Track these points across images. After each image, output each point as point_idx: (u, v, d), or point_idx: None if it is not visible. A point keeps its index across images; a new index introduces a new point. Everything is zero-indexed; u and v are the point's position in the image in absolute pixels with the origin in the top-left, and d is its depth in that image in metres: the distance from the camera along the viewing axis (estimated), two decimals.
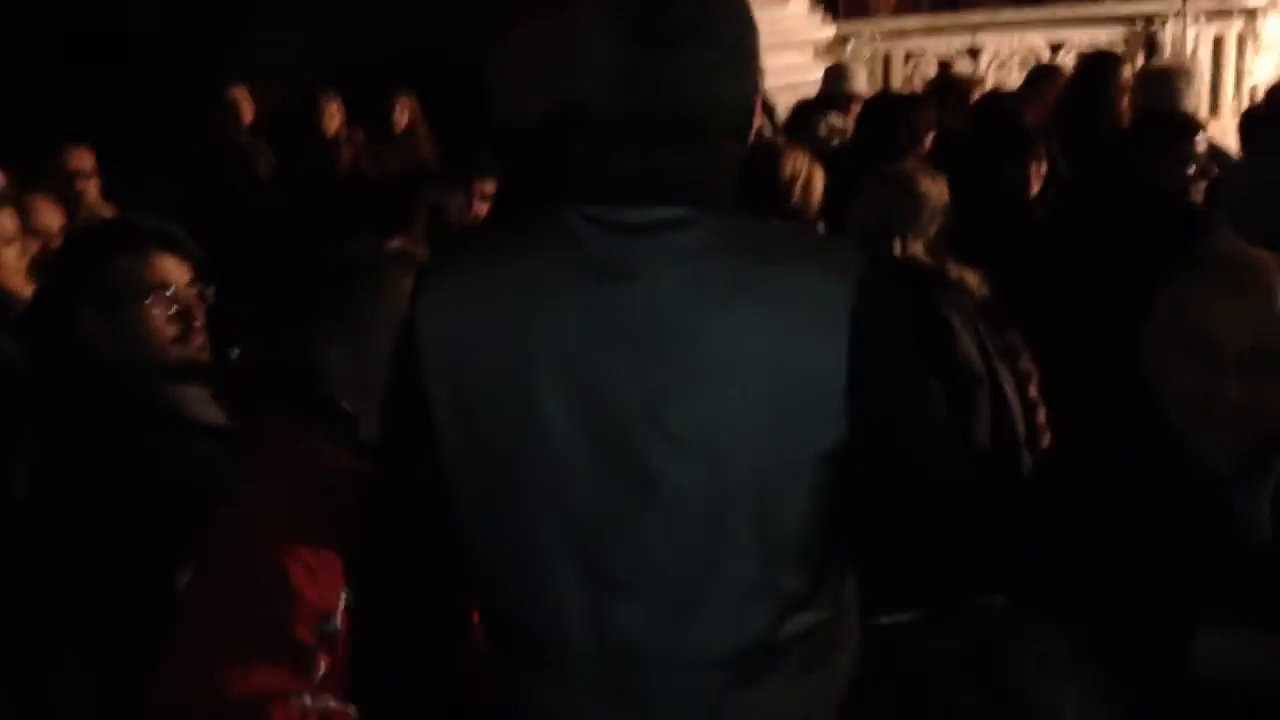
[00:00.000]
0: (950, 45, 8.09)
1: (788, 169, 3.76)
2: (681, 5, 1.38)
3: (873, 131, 4.60)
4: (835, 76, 6.03)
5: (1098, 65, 5.44)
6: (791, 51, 7.06)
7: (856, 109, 5.95)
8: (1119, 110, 4.98)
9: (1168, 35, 7.84)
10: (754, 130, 1.50)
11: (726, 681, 1.45)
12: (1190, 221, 3.64)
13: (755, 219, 1.53)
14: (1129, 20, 7.99)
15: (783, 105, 6.03)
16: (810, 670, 1.48)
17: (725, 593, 1.44)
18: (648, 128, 1.38)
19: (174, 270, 2.12)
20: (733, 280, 1.39)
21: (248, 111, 6.41)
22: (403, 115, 6.45)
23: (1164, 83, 4.75)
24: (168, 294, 2.10)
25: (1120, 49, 7.22)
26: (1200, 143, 3.80)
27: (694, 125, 1.39)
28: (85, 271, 2.12)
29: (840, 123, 5.70)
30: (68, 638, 1.99)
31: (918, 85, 8.02)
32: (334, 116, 6.41)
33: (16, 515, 2.10)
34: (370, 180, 5.80)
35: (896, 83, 7.99)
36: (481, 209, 4.04)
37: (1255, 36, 8.07)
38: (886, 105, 4.96)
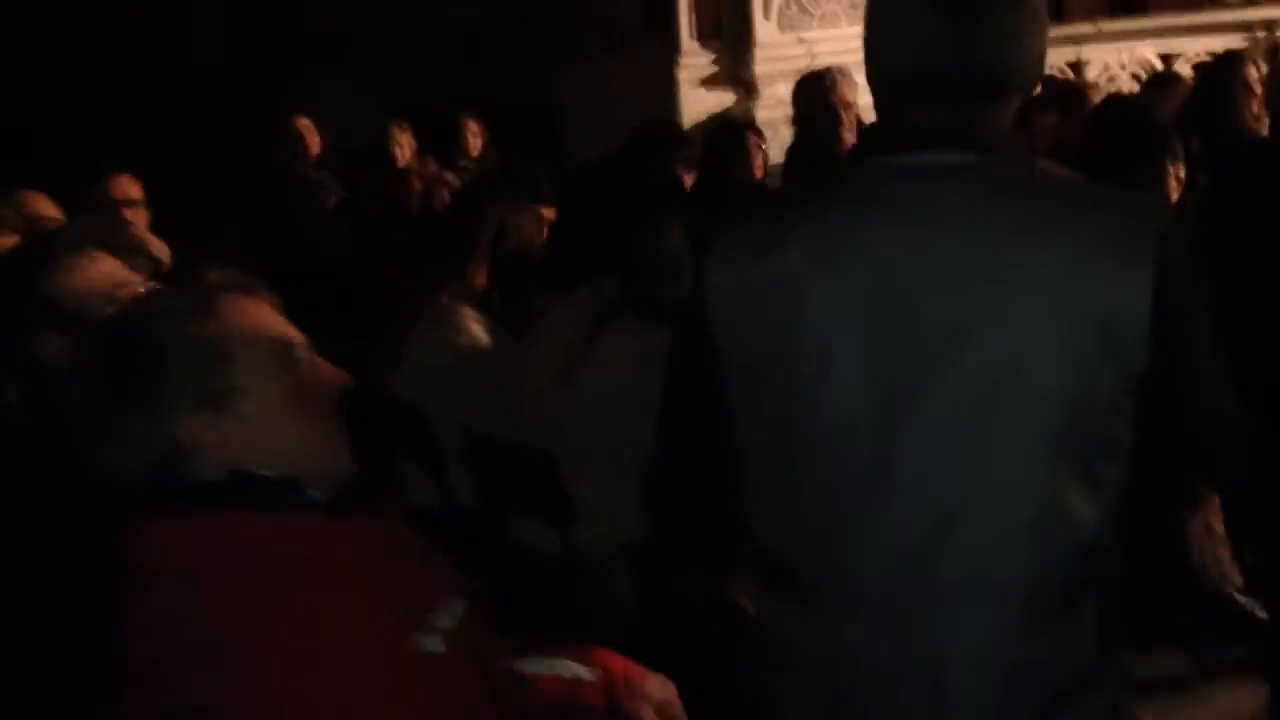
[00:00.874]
0: (1054, 59, 7.61)
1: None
2: None
3: None
4: None
5: (1224, 66, 5.05)
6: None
7: None
8: (1247, 111, 4.62)
9: None
10: None
11: (1017, 624, 1.46)
12: None
13: (1038, 164, 1.61)
14: (1247, 27, 7.45)
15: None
16: (1101, 618, 1.49)
17: (1019, 533, 1.45)
18: (950, 88, 1.47)
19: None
20: (1030, 221, 1.44)
21: (314, 144, 6.16)
22: (475, 140, 6.16)
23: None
24: None
25: None
26: None
27: (994, 84, 1.49)
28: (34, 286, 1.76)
29: None
30: None
31: None
32: (405, 147, 6.15)
33: None
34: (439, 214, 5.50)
35: None
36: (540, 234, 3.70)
37: None
38: None
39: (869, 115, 5.42)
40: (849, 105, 4.59)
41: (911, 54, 1.47)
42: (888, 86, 1.52)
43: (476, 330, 3.39)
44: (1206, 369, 1.52)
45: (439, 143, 6.30)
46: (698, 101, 6.78)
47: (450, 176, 5.65)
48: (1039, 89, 5.27)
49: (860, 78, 5.39)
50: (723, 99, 6.92)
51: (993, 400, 1.42)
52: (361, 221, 5.66)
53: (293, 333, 1.43)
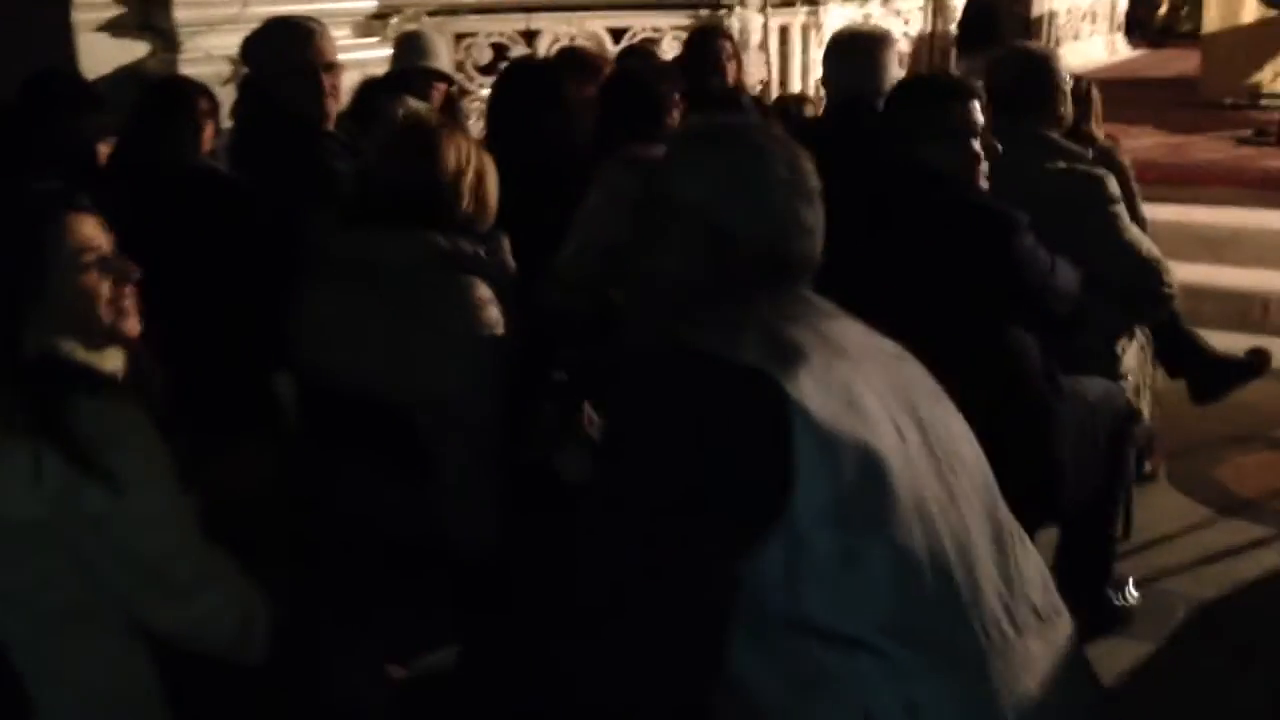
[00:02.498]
0: (505, 27, 7.08)
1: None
2: (810, 168, 1.90)
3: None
4: (410, 51, 4.79)
5: (702, 40, 5.42)
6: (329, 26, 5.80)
7: (440, 90, 4.83)
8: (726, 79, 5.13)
9: (734, 23, 7.28)
10: None
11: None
12: (986, 214, 2.94)
13: None
14: (694, 6, 7.36)
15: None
16: None
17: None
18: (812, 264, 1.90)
19: None
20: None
21: None
22: None
23: (859, 50, 4.12)
24: None
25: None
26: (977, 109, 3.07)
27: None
28: None
29: (421, 106, 4.52)
30: None
31: (470, 69, 7.00)
32: None
33: None
34: None
35: (446, 66, 6.86)
36: None
37: (819, 28, 7.72)
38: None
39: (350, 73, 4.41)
40: (332, 65, 3.66)
41: (790, 238, 1.84)
42: (744, 255, 1.81)
43: None
44: None
45: None
46: (100, 51, 5.48)
47: None
48: (572, 60, 4.74)
49: (335, 31, 4.38)
50: (132, 49, 5.66)
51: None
52: None
53: None
